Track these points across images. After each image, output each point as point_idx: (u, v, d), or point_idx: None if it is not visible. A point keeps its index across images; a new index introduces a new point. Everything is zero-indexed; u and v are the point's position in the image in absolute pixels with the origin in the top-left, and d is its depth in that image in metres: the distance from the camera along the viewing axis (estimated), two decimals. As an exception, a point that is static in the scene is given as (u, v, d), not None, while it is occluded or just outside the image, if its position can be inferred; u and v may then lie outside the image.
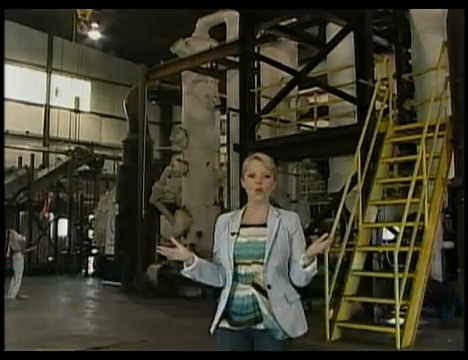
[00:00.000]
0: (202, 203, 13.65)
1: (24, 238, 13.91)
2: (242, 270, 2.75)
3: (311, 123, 11.83)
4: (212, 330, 2.80)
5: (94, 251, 20.36)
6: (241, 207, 2.95)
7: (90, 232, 21.02)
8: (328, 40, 10.41)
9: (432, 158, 7.60)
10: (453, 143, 7.65)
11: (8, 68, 21.19)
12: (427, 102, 8.18)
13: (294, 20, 11.49)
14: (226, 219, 2.89)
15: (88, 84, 27.69)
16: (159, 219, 15.57)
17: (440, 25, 8.35)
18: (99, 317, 10.37)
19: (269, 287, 2.71)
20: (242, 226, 2.82)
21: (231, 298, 2.76)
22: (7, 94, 18.43)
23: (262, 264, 2.71)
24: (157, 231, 15.77)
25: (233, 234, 2.79)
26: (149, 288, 12.68)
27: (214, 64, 14.02)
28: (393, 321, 6.81)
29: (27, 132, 24.71)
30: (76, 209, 21.05)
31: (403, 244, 7.04)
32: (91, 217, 21.04)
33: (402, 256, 6.85)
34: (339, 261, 7.41)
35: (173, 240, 2.80)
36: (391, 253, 7.17)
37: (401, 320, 6.61)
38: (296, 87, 11.24)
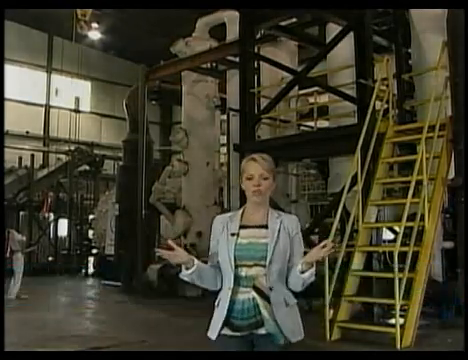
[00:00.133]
0: (202, 203, 13.66)
1: (24, 238, 13.90)
2: (243, 272, 2.67)
3: (311, 123, 11.84)
4: (214, 337, 2.71)
5: (94, 251, 20.35)
6: (241, 207, 2.88)
7: (90, 232, 21.01)
8: (328, 40, 10.41)
9: (432, 158, 7.61)
10: (453, 143, 7.65)
11: (8, 68, 21.19)
12: (427, 102, 8.18)
13: (294, 20, 11.50)
14: (224, 220, 2.81)
15: (88, 84, 27.69)
16: (159, 219, 15.57)
17: (440, 25, 8.35)
18: (99, 317, 10.37)
19: (271, 289, 2.65)
20: (241, 227, 2.74)
21: (232, 302, 2.68)
22: (7, 94, 18.43)
23: (264, 266, 2.65)
24: (157, 231, 15.78)
25: (233, 235, 2.71)
26: (149, 288, 12.68)
27: (214, 64, 14.03)
28: (393, 321, 6.81)
29: (27, 132, 24.71)
30: (76, 209, 21.04)
31: (403, 244, 7.04)
32: (91, 217, 21.04)
33: (402, 256, 6.86)
34: (339, 261, 7.41)
35: (171, 243, 2.70)
36: (391, 253, 7.17)
37: (401, 320, 6.61)
38: (296, 87, 11.24)
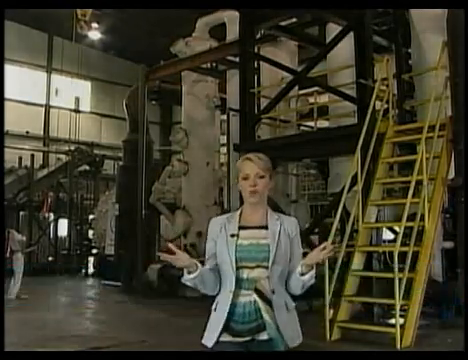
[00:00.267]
0: (202, 203, 13.66)
1: (24, 238, 13.90)
2: (244, 274, 2.59)
3: (311, 123, 11.84)
4: (211, 345, 2.59)
5: (94, 251, 20.36)
6: (239, 208, 2.81)
7: (90, 232, 21.02)
8: (328, 40, 10.41)
9: (432, 158, 7.61)
10: (453, 143, 7.65)
11: (8, 68, 21.19)
12: (427, 102, 8.18)
13: (294, 20, 11.49)
14: (222, 221, 2.73)
15: (88, 84, 27.69)
16: (159, 219, 15.56)
17: (440, 25, 8.36)
18: (99, 317, 10.37)
19: (273, 292, 2.58)
20: (241, 228, 2.67)
21: (233, 306, 2.58)
22: (7, 94, 18.42)
23: (266, 268, 2.58)
24: (157, 231, 15.77)
25: (233, 236, 2.64)
26: (149, 288, 12.68)
27: (214, 64, 14.03)
28: (393, 321, 6.81)
29: (27, 132, 24.71)
30: (76, 209, 21.05)
31: (403, 244, 7.04)
32: (91, 217, 21.04)
33: (402, 256, 6.86)
34: (339, 261, 7.41)
35: (172, 246, 2.61)
36: (391, 253, 7.17)
37: (401, 320, 6.61)
38: (296, 87, 11.24)
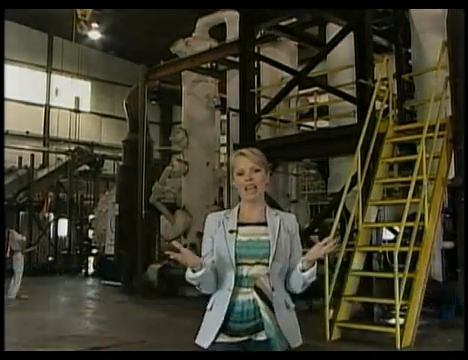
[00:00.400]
0: (202, 203, 13.64)
1: (24, 238, 13.91)
2: (244, 271, 2.52)
3: (311, 123, 11.84)
4: (206, 346, 2.50)
5: (94, 251, 20.37)
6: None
7: (90, 232, 21.03)
8: (328, 40, 10.41)
9: (432, 158, 7.61)
10: (453, 143, 7.65)
11: (8, 68, 21.19)
12: (427, 102, 8.18)
13: (294, 20, 11.49)
14: (219, 217, 2.65)
15: (88, 84, 27.70)
16: (159, 219, 15.57)
17: (440, 25, 8.36)
18: (99, 317, 10.37)
19: (273, 290, 2.51)
20: (239, 224, 2.60)
21: (231, 304, 2.51)
22: (7, 94, 18.44)
23: (266, 265, 2.51)
24: (157, 231, 15.77)
25: (231, 232, 2.56)
26: (149, 288, 12.68)
27: (214, 64, 14.02)
28: (393, 321, 6.81)
29: (27, 132, 24.72)
30: (76, 209, 21.05)
31: (403, 244, 7.04)
32: (91, 217, 21.05)
33: (402, 256, 6.86)
34: (339, 261, 7.41)
35: (176, 244, 2.51)
36: (391, 253, 7.17)
37: (401, 320, 6.61)
38: (296, 87, 11.24)
